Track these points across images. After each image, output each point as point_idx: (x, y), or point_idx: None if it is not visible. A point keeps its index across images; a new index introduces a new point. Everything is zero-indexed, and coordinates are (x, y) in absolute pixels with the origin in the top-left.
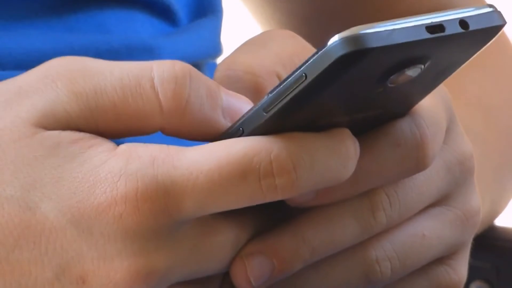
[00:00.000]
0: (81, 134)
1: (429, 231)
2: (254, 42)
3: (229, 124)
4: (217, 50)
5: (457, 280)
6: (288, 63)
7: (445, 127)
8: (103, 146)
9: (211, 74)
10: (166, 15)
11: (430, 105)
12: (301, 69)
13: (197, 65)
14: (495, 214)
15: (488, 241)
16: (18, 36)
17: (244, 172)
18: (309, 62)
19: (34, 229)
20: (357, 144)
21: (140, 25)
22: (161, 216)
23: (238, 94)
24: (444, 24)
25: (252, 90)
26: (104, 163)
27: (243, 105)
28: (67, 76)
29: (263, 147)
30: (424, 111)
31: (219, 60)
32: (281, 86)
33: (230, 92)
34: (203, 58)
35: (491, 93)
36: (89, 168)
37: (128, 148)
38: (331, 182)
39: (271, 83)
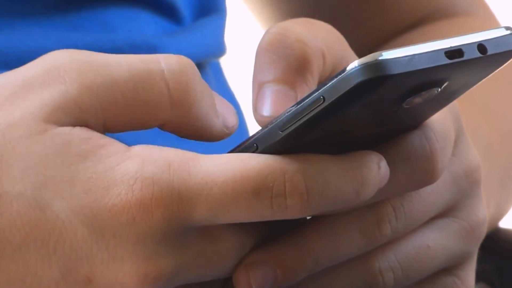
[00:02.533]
0: (91, 133)
1: (434, 243)
2: (305, 19)
3: (222, 125)
4: (221, 50)
5: None
6: (331, 48)
7: (453, 139)
8: (116, 147)
9: (215, 74)
10: (170, 13)
11: (440, 118)
12: (320, 91)
13: (200, 65)
14: (500, 217)
15: (491, 243)
16: (22, 34)
17: (257, 189)
18: (327, 85)
19: (44, 228)
20: (383, 169)
21: (144, 23)
22: (173, 221)
23: (226, 101)
24: (463, 49)
25: (300, 59)
26: (119, 165)
27: (230, 112)
28: (74, 69)
29: (278, 167)
30: (434, 124)
31: (222, 60)
32: (299, 106)
33: (218, 95)
34: (206, 57)
35: (497, 96)
36: (104, 168)
37: (143, 151)
38: (341, 206)
39: (317, 59)
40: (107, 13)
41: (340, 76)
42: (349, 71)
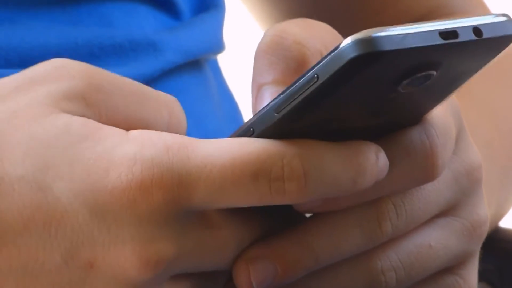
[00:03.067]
0: (90, 120)
1: (436, 241)
2: (303, 20)
3: None
4: (219, 46)
5: None
6: (329, 48)
7: (455, 136)
8: (114, 130)
9: (214, 72)
10: (169, 8)
11: (441, 114)
12: (313, 70)
13: (199, 62)
14: (500, 216)
15: (491, 242)
16: (22, 29)
17: (255, 173)
18: (321, 63)
19: (45, 211)
20: (382, 160)
21: (143, 18)
22: (173, 204)
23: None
24: (458, 31)
25: (298, 61)
26: (117, 146)
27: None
28: (84, 70)
29: (277, 151)
30: (435, 120)
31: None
32: (293, 87)
33: None
34: (205, 53)
35: (497, 96)
36: (103, 149)
37: (141, 134)
38: (339, 193)
39: (316, 59)
40: (106, 8)
41: (333, 53)
42: (342, 47)
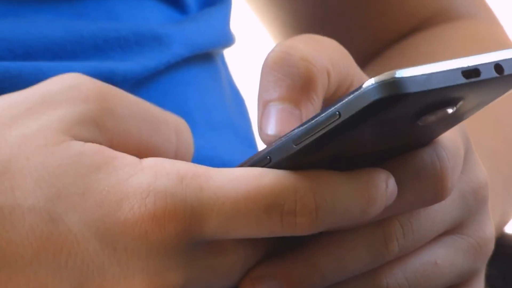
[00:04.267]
0: (103, 147)
1: (442, 259)
2: (309, 36)
3: None
4: (228, 39)
5: None
6: (336, 65)
7: (463, 157)
8: (127, 159)
9: (223, 65)
10: (175, 2)
11: (451, 136)
12: (336, 107)
13: (209, 54)
14: (505, 224)
15: (496, 248)
16: (27, 22)
17: (268, 206)
18: (343, 101)
19: (56, 242)
20: (391, 187)
21: (148, 11)
22: (184, 235)
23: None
24: (480, 69)
25: (304, 77)
26: (131, 177)
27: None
28: (97, 90)
29: (290, 185)
30: (445, 142)
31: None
32: (314, 121)
33: None
34: (213, 47)
35: (501, 105)
36: (116, 181)
37: (155, 163)
38: (348, 223)
39: (322, 77)
40: (112, 1)
41: (356, 92)
42: (365, 88)
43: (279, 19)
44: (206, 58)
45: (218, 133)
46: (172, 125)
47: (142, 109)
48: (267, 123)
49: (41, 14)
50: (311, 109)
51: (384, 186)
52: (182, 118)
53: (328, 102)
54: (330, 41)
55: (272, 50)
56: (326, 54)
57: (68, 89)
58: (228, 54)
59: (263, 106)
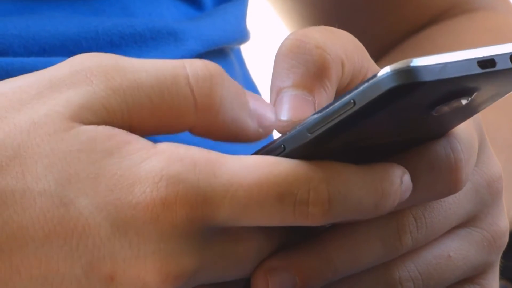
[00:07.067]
0: (116, 130)
1: (455, 252)
2: (324, 27)
3: (256, 126)
4: (243, 35)
5: None
6: (350, 57)
7: (477, 149)
8: (141, 143)
9: (238, 60)
10: None
11: (465, 128)
12: (350, 95)
13: (223, 50)
14: None
15: (510, 239)
16: (42, 18)
17: (281, 194)
18: (358, 89)
19: (67, 225)
20: (406, 183)
21: (164, 7)
22: (196, 221)
23: (263, 99)
24: (496, 59)
25: (319, 65)
26: (144, 161)
27: (267, 110)
28: (101, 72)
29: (304, 174)
30: (460, 134)
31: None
32: (328, 109)
33: (256, 95)
34: (228, 43)
35: None
36: (129, 165)
37: (169, 148)
38: (360, 217)
39: (336, 66)
40: None
41: (371, 80)
42: (380, 76)
43: (296, 11)
44: (220, 53)
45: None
46: (183, 79)
47: (149, 74)
48: (280, 109)
49: (56, 11)
50: (325, 96)
51: (399, 181)
52: None
53: (341, 94)
54: (345, 33)
55: (287, 38)
56: (341, 44)
57: (74, 72)
58: (246, 49)
59: (277, 93)
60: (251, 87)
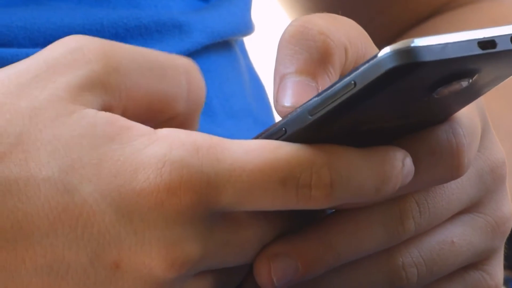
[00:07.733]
0: (116, 116)
1: (458, 238)
2: (328, 14)
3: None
4: (248, 27)
5: (493, 285)
6: (354, 43)
7: (480, 134)
8: (142, 129)
9: (242, 52)
10: None
11: (467, 113)
12: (351, 76)
13: (228, 42)
14: None
15: None
16: (48, 10)
17: (284, 178)
18: (359, 70)
19: (71, 213)
20: (407, 167)
21: (170, 0)
22: (200, 206)
23: None
24: (496, 40)
25: (322, 51)
26: (146, 147)
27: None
28: (99, 49)
29: (307, 158)
30: (462, 119)
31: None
32: (329, 91)
33: None
34: (233, 35)
35: None
36: (131, 151)
37: (170, 133)
38: (361, 200)
39: (340, 52)
40: None
41: (371, 61)
42: (381, 56)
43: (299, 2)
44: (225, 45)
45: (237, 121)
46: (181, 68)
47: (148, 58)
48: (283, 95)
49: (61, 2)
50: (328, 82)
51: (401, 165)
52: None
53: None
54: (348, 20)
55: (290, 25)
56: (344, 31)
57: (70, 52)
58: (249, 41)
59: (280, 79)
60: (255, 79)
